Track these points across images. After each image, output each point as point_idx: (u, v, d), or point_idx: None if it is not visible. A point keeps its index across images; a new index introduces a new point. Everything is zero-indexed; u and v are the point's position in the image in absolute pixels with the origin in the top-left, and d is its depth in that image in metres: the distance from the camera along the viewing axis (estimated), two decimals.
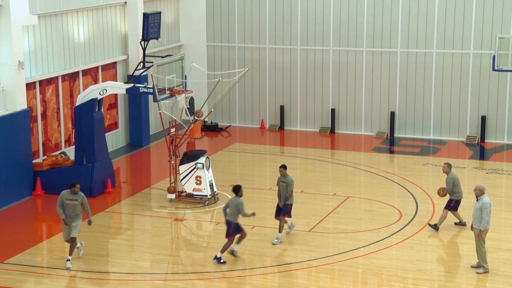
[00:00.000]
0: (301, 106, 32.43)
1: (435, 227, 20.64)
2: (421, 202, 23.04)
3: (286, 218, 20.23)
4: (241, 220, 18.91)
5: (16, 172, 23.13)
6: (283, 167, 20.17)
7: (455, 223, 20.96)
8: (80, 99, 23.78)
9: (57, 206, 18.44)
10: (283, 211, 20.08)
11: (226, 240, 18.75)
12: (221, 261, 18.58)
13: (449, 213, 20.79)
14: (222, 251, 18.70)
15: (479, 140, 30.23)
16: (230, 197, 23.50)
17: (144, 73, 28.16)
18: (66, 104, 26.58)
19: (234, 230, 18.68)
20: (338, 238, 20.27)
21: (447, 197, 20.89)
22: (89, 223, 18.63)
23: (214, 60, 32.98)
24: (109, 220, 21.93)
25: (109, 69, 28.90)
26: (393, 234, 20.44)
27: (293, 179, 20.11)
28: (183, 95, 23.34)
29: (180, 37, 33.41)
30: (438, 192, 21.06)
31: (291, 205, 20.10)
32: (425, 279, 17.70)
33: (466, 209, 21.09)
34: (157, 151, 29.31)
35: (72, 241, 18.43)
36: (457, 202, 20.69)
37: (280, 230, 20.02)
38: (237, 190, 18.91)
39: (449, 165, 20.79)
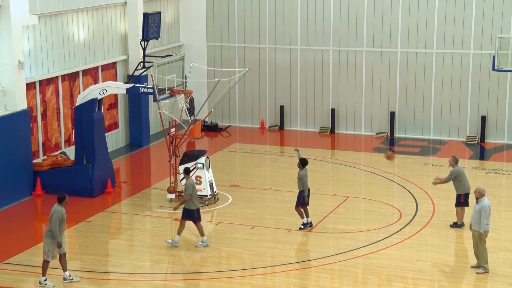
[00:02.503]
0: (301, 106, 32.43)
1: (456, 225, 20.68)
2: (421, 202, 23.04)
3: (198, 223, 19.69)
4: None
5: (16, 172, 23.12)
6: (185, 170, 19.86)
7: (450, 225, 20.93)
8: (80, 99, 23.78)
9: (56, 226, 16.95)
10: (182, 216, 19.65)
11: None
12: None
13: (457, 209, 20.85)
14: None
15: (479, 140, 30.23)
16: (229, 196, 23.61)
17: (144, 73, 28.16)
18: (66, 104, 26.58)
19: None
20: (338, 238, 20.27)
21: (454, 195, 20.90)
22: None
23: (214, 60, 32.98)
24: (109, 220, 21.93)
25: (109, 69, 28.90)
26: (393, 234, 20.44)
27: (193, 183, 19.53)
28: (183, 95, 23.33)
29: (180, 37, 33.41)
30: (435, 179, 21.21)
31: (197, 209, 19.58)
32: (425, 279, 17.70)
33: (466, 209, 21.05)
34: (157, 151, 29.31)
35: (64, 256, 17.61)
36: (466, 196, 20.69)
37: (202, 234, 19.67)
38: (305, 163, 20.74)
39: (454, 158, 20.84)
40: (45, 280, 17.40)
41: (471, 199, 19.91)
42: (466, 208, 20.83)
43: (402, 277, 17.79)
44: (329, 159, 28.26)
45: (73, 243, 20.15)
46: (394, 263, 18.53)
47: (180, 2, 33.20)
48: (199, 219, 19.71)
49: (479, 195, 18.00)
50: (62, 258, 17.50)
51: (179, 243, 19.62)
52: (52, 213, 17.17)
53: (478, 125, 30.34)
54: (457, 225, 20.82)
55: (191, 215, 19.59)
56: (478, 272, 17.96)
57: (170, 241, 19.65)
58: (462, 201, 20.75)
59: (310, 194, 20.80)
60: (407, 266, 18.35)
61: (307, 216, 20.87)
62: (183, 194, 23.21)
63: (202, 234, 19.68)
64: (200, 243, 19.69)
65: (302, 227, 20.72)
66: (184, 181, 20.02)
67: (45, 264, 17.38)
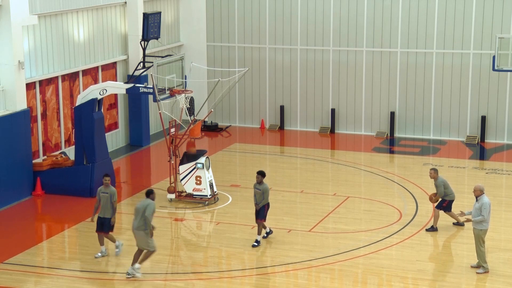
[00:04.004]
0: (301, 106, 32.43)
1: (433, 229, 20.64)
2: (421, 202, 23.03)
3: (111, 234, 19.07)
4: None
5: (16, 172, 23.12)
6: (106, 175, 18.99)
7: (453, 224, 20.96)
8: (80, 99, 23.78)
9: (151, 216, 17.61)
10: (105, 227, 18.87)
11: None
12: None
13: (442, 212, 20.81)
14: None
15: (479, 140, 30.23)
16: (229, 196, 23.61)
17: (144, 73, 28.16)
18: (66, 104, 26.58)
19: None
20: (338, 238, 20.27)
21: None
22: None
23: (214, 60, 32.98)
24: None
25: (109, 69, 28.91)
26: (393, 234, 20.44)
27: (116, 190, 18.90)
28: (183, 95, 23.34)
29: (180, 37, 33.42)
30: (430, 199, 20.96)
31: (110, 219, 18.86)
32: (425, 279, 17.71)
33: (466, 209, 21.04)
34: (157, 151, 29.31)
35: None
36: (450, 203, 20.70)
37: (102, 243, 18.96)
38: (264, 174, 20.02)
39: (435, 171, 20.75)
40: (138, 268, 17.79)
41: (469, 199, 19.94)
42: (456, 210, 20.82)
43: (402, 277, 17.79)
44: (329, 159, 28.26)
45: (73, 243, 20.15)
46: (394, 263, 18.54)
47: (180, 2, 33.21)
48: (111, 229, 18.98)
49: (479, 193, 18.00)
50: (140, 251, 17.81)
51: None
52: (145, 205, 17.53)
53: (478, 125, 30.34)
54: (458, 223, 20.76)
55: (107, 224, 18.83)
56: (478, 272, 17.97)
57: (99, 254, 18.94)
58: (444, 205, 20.70)
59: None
60: (407, 266, 18.35)
61: (264, 227, 20.10)
62: (183, 194, 23.29)
63: (113, 240, 19.13)
64: (99, 254, 18.93)
65: (256, 244, 19.66)
66: (104, 188, 18.89)
67: (149, 254, 17.75)
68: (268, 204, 19.91)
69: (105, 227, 18.90)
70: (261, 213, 19.81)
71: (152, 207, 17.65)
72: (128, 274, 17.73)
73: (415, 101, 31.04)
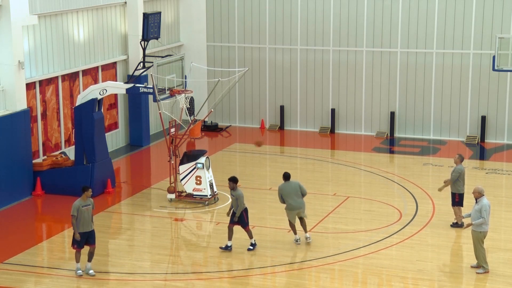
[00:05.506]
0: (301, 106, 32.43)
1: (457, 225, 20.66)
2: (421, 202, 23.04)
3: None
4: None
5: (16, 172, 23.12)
6: (89, 187, 18.00)
7: (451, 225, 20.92)
8: (80, 99, 23.78)
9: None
10: (92, 239, 17.87)
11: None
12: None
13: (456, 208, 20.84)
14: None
15: (479, 140, 30.23)
16: (229, 196, 23.60)
17: (144, 73, 28.16)
18: (66, 104, 26.58)
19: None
20: (338, 238, 20.28)
21: (449, 194, 20.87)
22: None
23: (214, 60, 32.98)
24: (109, 220, 21.93)
25: (109, 69, 28.90)
26: (393, 234, 20.44)
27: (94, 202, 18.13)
28: (183, 95, 23.34)
29: (180, 37, 33.41)
30: (443, 185, 20.99)
31: (93, 230, 17.91)
32: (425, 279, 17.70)
33: (467, 210, 21.05)
34: (157, 151, 29.32)
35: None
36: (461, 196, 20.68)
37: (78, 260, 17.93)
38: (235, 180, 19.48)
39: (460, 156, 20.76)
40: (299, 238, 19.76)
41: (468, 199, 19.96)
42: (461, 208, 20.84)
43: (402, 277, 17.79)
44: (329, 159, 28.26)
45: None
46: (394, 263, 18.54)
47: (180, 2, 33.21)
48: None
49: (478, 195, 17.97)
50: (303, 221, 19.79)
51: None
52: (297, 186, 19.66)
53: (478, 125, 30.34)
54: (457, 224, 20.82)
55: (92, 235, 17.94)
56: (478, 272, 17.96)
57: (81, 271, 17.89)
58: (456, 200, 20.72)
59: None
60: (407, 266, 18.35)
61: (251, 237, 19.51)
62: (183, 194, 23.29)
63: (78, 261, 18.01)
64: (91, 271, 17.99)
65: (251, 247, 19.25)
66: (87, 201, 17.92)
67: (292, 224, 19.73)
68: (245, 210, 19.20)
69: (91, 239, 17.87)
70: (242, 221, 19.24)
71: (301, 184, 19.72)
72: (302, 239, 19.69)
73: (415, 101, 31.04)
